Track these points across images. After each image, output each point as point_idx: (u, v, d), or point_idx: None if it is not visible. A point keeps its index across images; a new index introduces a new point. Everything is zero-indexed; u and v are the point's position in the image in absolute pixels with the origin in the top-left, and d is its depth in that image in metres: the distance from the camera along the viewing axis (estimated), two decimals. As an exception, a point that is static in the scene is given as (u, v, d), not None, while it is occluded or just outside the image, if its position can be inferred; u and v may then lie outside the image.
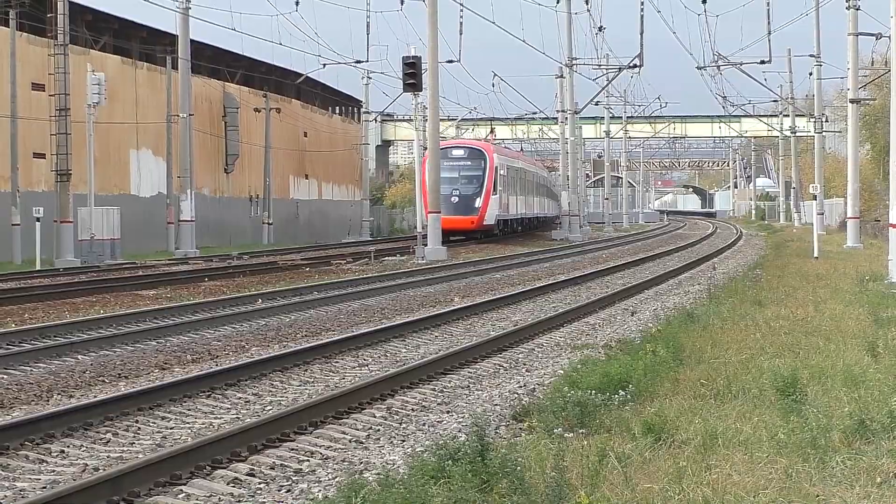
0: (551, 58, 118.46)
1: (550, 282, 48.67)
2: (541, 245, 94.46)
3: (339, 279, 50.98)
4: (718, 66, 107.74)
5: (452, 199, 74.80)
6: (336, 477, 15.35)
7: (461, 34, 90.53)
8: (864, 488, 14.09)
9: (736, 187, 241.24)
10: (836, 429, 16.80)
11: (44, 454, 18.04)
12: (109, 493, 14.68)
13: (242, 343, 29.74)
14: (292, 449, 17.60)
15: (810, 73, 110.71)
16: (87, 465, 16.75)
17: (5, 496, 14.79)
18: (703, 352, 25.64)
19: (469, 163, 77.73)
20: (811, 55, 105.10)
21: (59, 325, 32.69)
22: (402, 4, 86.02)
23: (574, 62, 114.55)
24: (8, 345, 29.58)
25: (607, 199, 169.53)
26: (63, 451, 18.21)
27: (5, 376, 25.52)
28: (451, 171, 76.44)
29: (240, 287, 47.92)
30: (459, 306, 37.79)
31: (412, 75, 74.46)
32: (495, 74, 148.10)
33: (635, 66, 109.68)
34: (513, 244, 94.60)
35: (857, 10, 79.70)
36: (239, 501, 14.60)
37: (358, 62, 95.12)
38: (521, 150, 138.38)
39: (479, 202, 75.73)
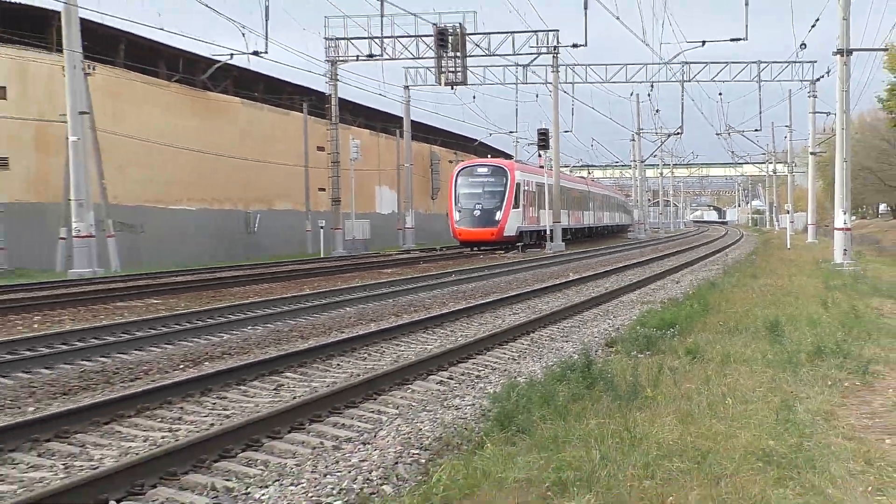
0: (626, 128, 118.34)
1: (626, 264, 48.25)
2: (621, 241, 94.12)
3: (500, 262, 50.66)
4: (729, 133, 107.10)
5: (475, 212, 64.26)
6: (501, 380, 15.37)
7: (573, 115, 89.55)
8: (820, 388, 14.18)
9: (739, 206, 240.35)
10: (802, 352, 16.85)
11: (332, 366, 17.80)
12: (367, 391, 14.66)
13: (444, 300, 29.60)
14: (474, 363, 17.57)
15: (785, 137, 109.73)
16: (352, 372, 16.61)
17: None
18: (721, 306, 25.56)
19: (492, 179, 65.30)
20: (786, 125, 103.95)
21: (333, 290, 32.48)
22: (536, 97, 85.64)
23: (641, 131, 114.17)
24: (304, 301, 29.04)
25: (661, 213, 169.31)
26: (340, 364, 17.88)
27: (303, 320, 24.92)
28: (476, 187, 65.69)
29: (442, 266, 47.51)
30: (573, 278, 37.57)
31: (543, 139, 73.80)
32: (594, 140, 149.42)
33: (678, 132, 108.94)
34: (604, 241, 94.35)
35: (815, 97, 78.96)
36: (444, 393, 14.65)
37: (511, 132, 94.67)
38: (590, 175, 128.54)
39: (499, 215, 63.84)
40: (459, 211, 64.50)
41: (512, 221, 64.36)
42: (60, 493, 9.11)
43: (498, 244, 63.91)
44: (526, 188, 67.81)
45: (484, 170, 66.07)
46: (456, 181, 65.97)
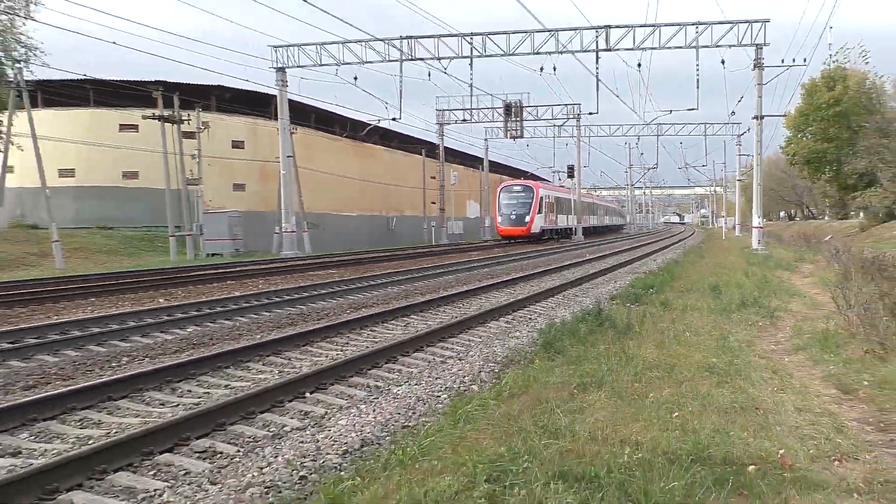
0: (621, 163, 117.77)
1: (622, 249, 47.62)
2: (618, 236, 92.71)
3: (542, 248, 50.21)
4: (686, 167, 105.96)
5: (511, 216, 59.84)
6: (544, 320, 15.29)
7: (589, 155, 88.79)
8: (744, 326, 14.05)
9: (693, 213, 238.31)
10: (733, 304, 16.65)
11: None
12: (461, 328, 14.65)
13: (507, 272, 29.15)
14: (527, 310, 17.46)
15: (722, 170, 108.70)
16: (452, 315, 16.65)
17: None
18: (682, 275, 25.23)
19: (523, 194, 60.59)
20: (722, 163, 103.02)
21: (440, 265, 32.21)
22: (567, 145, 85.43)
23: (631, 166, 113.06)
24: (422, 272, 28.69)
25: (644, 217, 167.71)
26: (444, 311, 17.98)
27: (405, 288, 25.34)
28: (512, 199, 60.94)
29: (505, 251, 46.78)
30: (588, 258, 37.17)
31: (571, 171, 73.66)
32: (602, 171, 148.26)
33: (654, 167, 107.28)
34: (607, 235, 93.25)
35: (740, 145, 77.90)
36: (509, 328, 14.60)
37: (550, 167, 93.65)
38: (597, 193, 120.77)
39: (527, 218, 59.24)
40: (501, 215, 61.06)
41: (536, 223, 60.54)
42: (275, 388, 9.25)
43: (526, 238, 59.99)
44: (548, 200, 63.76)
45: (518, 188, 62.48)
46: (499, 195, 62.31)
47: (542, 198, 61.55)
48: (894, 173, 51.60)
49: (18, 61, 39.23)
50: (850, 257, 22.47)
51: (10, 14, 39.30)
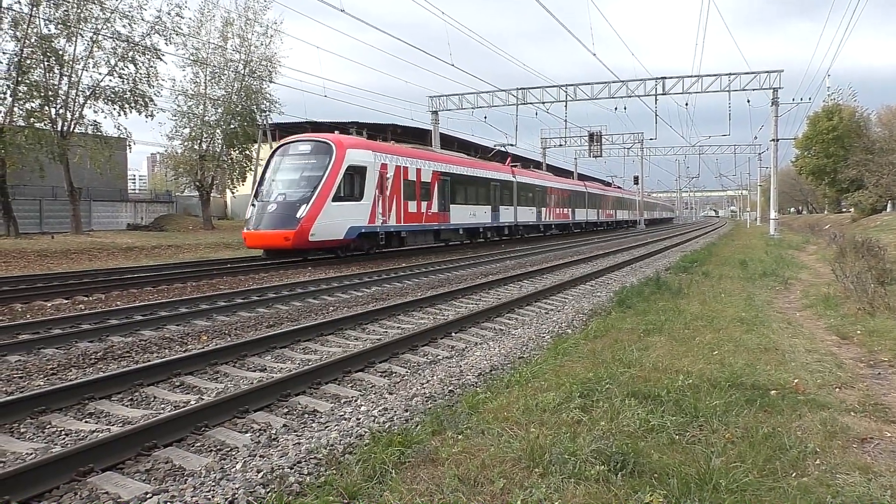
0: (672, 174, 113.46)
1: (671, 234, 45.92)
2: (669, 226, 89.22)
3: (620, 234, 48.83)
4: (721, 176, 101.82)
5: (269, 207, 17.22)
6: (617, 284, 14.88)
7: (649, 168, 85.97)
8: (765, 290, 13.40)
9: (725, 208, 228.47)
10: (756, 274, 15.91)
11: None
12: (560, 289, 14.28)
13: (585, 252, 28.55)
14: (606, 277, 17.00)
15: (748, 177, 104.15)
16: (554, 278, 16.28)
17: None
18: (717, 253, 24.26)
19: (313, 160, 17.26)
20: (748, 173, 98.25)
21: (550, 244, 31.67)
22: (633, 161, 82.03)
23: (680, 176, 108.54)
24: (538, 250, 27.52)
25: (689, 212, 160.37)
26: (547, 275, 17.50)
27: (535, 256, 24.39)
28: (289, 173, 17.83)
29: (588, 236, 46.03)
30: (649, 241, 35.84)
31: (636, 180, 71.21)
32: (658, 180, 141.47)
33: (697, 177, 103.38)
34: (661, 224, 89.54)
35: (760, 160, 74.44)
36: (592, 290, 14.26)
37: (620, 176, 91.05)
38: (651, 193, 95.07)
39: (302, 211, 16.81)
40: (253, 206, 18.38)
41: (329, 219, 18.39)
42: (431, 329, 9.22)
43: (300, 253, 19.64)
44: (384, 173, 20.87)
45: (305, 147, 18.56)
46: (265, 167, 19.01)
47: (355, 167, 19.41)
48: (877, 179, 49.83)
49: (264, 111, 41.12)
50: (845, 240, 21.27)
51: (260, 80, 40.94)
